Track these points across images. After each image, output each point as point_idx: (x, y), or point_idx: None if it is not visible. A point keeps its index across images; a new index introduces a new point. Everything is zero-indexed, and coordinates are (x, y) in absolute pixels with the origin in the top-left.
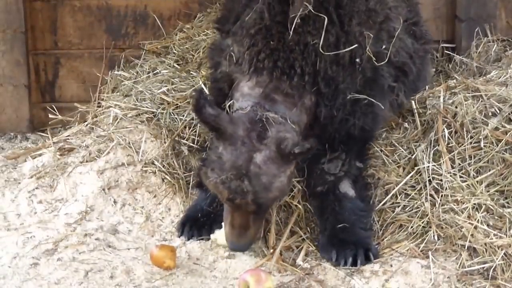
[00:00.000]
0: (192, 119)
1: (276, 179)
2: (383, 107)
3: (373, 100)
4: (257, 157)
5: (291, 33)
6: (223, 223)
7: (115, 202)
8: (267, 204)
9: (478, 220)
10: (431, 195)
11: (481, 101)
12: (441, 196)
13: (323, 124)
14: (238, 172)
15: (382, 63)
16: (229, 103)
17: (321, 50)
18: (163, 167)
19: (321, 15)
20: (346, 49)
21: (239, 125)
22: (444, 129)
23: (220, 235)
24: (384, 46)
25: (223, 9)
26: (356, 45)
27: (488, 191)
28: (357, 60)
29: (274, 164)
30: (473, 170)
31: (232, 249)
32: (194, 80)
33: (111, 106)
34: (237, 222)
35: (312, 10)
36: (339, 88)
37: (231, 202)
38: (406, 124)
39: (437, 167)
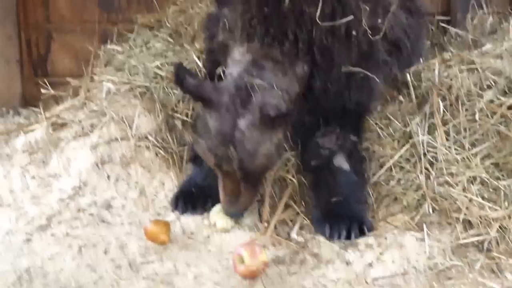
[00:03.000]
0: None
1: (261, 146)
2: (378, 81)
3: (368, 73)
4: (240, 123)
5: (287, 1)
6: (216, 206)
7: (108, 177)
8: (255, 171)
9: (473, 193)
10: (426, 168)
11: (476, 74)
12: (436, 169)
13: (317, 97)
14: (223, 139)
15: (377, 37)
16: (220, 70)
17: (318, 21)
18: (156, 141)
19: None
20: (342, 20)
21: (224, 93)
22: (439, 102)
23: (218, 218)
24: (379, 21)
25: None
26: (352, 17)
27: (483, 164)
28: (353, 32)
29: (257, 130)
30: (468, 143)
31: (227, 214)
32: (187, 54)
33: (104, 81)
34: (228, 189)
35: None
36: (335, 61)
37: (219, 169)
38: (401, 97)
39: (432, 140)
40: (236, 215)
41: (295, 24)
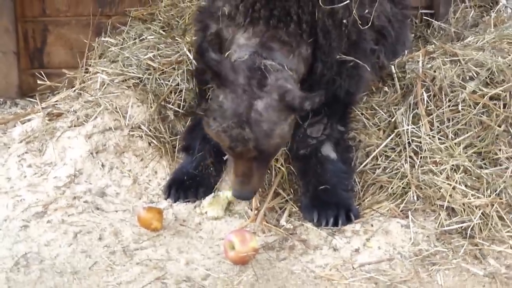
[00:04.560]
0: (178, 84)
1: (277, 126)
2: (368, 69)
3: (359, 61)
4: (258, 104)
5: None
6: (208, 196)
7: (103, 165)
8: (269, 151)
9: (456, 181)
10: (410, 156)
11: (459, 66)
12: (420, 157)
13: (313, 82)
14: (239, 120)
15: (365, 26)
16: (227, 54)
17: (320, 3)
18: (149, 131)
19: None
20: (342, 4)
21: (240, 73)
22: (423, 92)
23: (210, 208)
24: (367, 10)
25: None
26: (348, 1)
27: (466, 153)
28: (344, 21)
29: (275, 112)
30: (451, 133)
31: (237, 197)
32: (179, 46)
33: (98, 72)
34: (240, 171)
35: None
36: (332, 45)
37: (232, 151)
38: (386, 88)
39: (416, 130)
40: (247, 197)
41: (297, 5)
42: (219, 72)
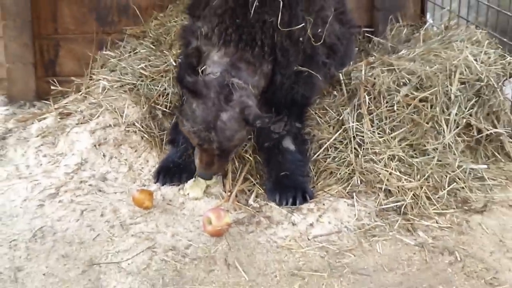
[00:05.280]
0: (165, 89)
1: (237, 133)
2: (320, 78)
3: (312, 72)
4: (223, 115)
5: (252, 12)
6: (189, 181)
7: (104, 155)
8: (230, 150)
9: (392, 168)
10: (355, 148)
11: (394, 74)
12: (363, 149)
13: (275, 90)
14: (207, 126)
15: (318, 43)
16: (202, 68)
17: (279, 27)
18: (142, 127)
19: None
20: (298, 26)
21: (211, 89)
22: (365, 96)
23: (191, 190)
24: (319, 30)
25: None
26: (303, 24)
27: (400, 145)
28: (301, 39)
29: (236, 122)
30: (388, 128)
31: (201, 177)
32: (166, 58)
33: (100, 79)
34: (204, 160)
35: None
36: (290, 60)
37: (199, 147)
38: (335, 92)
39: (359, 126)
40: (207, 178)
41: (260, 31)
42: (195, 90)
